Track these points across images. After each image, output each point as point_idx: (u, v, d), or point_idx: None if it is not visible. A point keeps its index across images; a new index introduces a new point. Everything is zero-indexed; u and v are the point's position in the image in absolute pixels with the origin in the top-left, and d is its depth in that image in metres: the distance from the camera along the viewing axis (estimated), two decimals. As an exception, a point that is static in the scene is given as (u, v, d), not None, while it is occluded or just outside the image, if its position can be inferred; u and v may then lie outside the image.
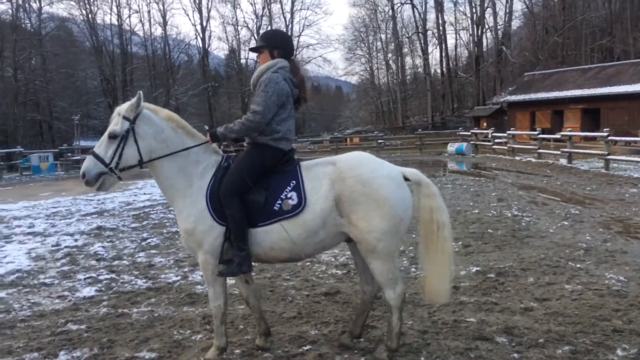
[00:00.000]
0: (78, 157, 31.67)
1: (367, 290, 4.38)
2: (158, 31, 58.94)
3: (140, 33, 57.51)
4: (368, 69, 67.73)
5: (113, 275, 7.04)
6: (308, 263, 7.19)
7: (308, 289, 6.09)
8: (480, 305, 5.26)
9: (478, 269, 6.53)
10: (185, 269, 7.19)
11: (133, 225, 10.88)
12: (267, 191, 4.00)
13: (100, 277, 6.97)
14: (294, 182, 4.00)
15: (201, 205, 4.02)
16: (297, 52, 58.82)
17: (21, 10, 47.89)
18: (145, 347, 4.60)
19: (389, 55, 63.44)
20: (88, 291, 6.36)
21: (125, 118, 4.00)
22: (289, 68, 4.23)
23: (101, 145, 4.02)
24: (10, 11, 47.41)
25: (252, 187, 3.98)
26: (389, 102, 64.32)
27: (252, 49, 4.48)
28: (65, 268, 7.60)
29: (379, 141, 34.25)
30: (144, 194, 16.87)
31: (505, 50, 49.50)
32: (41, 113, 47.49)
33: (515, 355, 4.15)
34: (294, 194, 3.95)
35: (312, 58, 60.74)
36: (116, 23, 53.97)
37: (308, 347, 4.45)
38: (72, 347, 4.67)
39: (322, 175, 4.01)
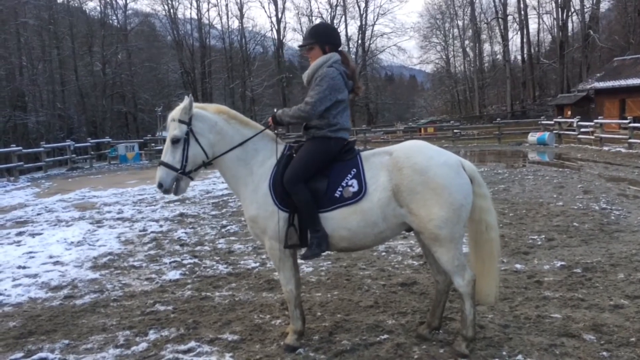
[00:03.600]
0: (161, 147, 33.18)
1: (440, 279, 4.34)
2: (235, 24, 60.50)
3: (218, 26, 59.24)
4: (444, 57, 66.14)
5: (196, 260, 7.34)
6: (384, 253, 7.18)
7: (384, 278, 6.08)
8: (566, 301, 5.05)
9: (563, 263, 6.26)
10: (264, 256, 7.38)
11: (213, 212, 11.28)
12: (328, 178, 4.09)
13: (184, 262, 7.29)
14: (354, 170, 4.08)
15: (264, 191, 4.15)
16: (372, 41, 58.44)
17: (109, 7, 50.59)
18: (227, 329, 4.79)
19: (466, 42, 61.63)
20: (173, 274, 6.68)
21: (181, 122, 4.14)
22: (341, 61, 4.28)
23: (167, 153, 4.17)
24: (98, 8, 50.32)
25: (315, 175, 4.09)
26: (465, 90, 62.58)
27: (301, 46, 4.46)
28: (152, 252, 8.01)
29: (455, 131, 33.42)
30: (223, 182, 17.41)
31: (593, 34, 46.70)
32: (126, 105, 49.97)
33: (605, 353, 3.96)
34: (354, 182, 4.02)
35: (386, 47, 60.04)
36: (196, 17, 55.82)
37: (385, 336, 4.46)
38: (160, 327, 4.94)
39: (379, 165, 4.06)
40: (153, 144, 33.26)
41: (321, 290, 5.78)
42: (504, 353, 4.03)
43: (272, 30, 59.06)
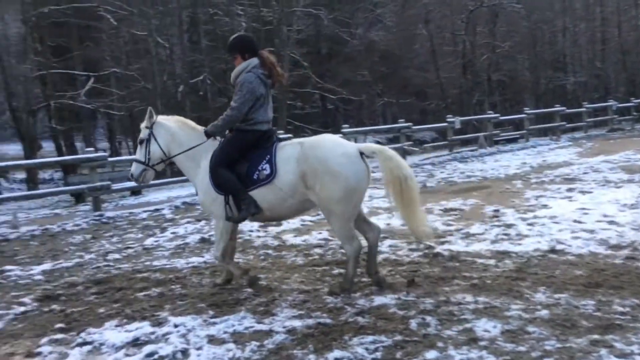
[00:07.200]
0: None
1: (369, 236, 5.25)
2: None
3: None
4: None
5: None
6: None
7: None
8: None
9: None
10: None
11: None
12: (248, 163, 5.11)
13: None
14: (268, 156, 5.07)
15: (206, 181, 5.28)
16: None
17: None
18: None
19: None
20: None
21: (146, 127, 5.56)
22: (259, 64, 5.24)
23: (137, 152, 5.70)
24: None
25: (237, 161, 5.12)
26: None
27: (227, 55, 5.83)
28: None
29: None
30: None
31: None
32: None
33: None
34: (267, 166, 5.03)
35: None
36: None
37: None
38: None
39: (291, 154, 5.02)
40: None
41: None
42: None
43: None
